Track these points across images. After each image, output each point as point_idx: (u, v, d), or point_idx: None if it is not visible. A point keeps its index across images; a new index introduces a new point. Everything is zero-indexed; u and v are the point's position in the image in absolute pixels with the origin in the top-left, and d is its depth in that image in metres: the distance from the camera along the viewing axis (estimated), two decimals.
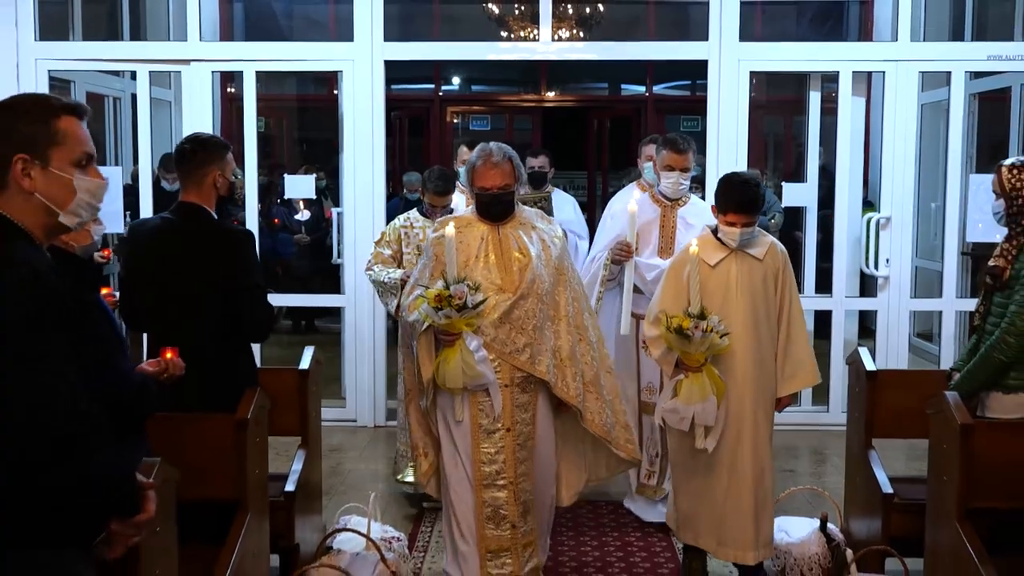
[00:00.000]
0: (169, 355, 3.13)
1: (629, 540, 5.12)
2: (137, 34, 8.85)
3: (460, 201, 5.65)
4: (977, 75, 7.58)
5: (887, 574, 4.14)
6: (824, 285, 7.05)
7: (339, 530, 4.39)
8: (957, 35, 8.41)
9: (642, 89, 11.94)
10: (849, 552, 4.09)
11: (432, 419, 4.26)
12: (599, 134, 12.38)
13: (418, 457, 4.39)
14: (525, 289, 4.20)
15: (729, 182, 4.34)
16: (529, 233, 4.33)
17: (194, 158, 3.79)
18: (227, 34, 9.31)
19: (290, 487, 4.15)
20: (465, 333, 4.06)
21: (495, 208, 4.26)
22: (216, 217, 3.85)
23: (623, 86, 12.93)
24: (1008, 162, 3.76)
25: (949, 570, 3.52)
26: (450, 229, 4.13)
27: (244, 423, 3.48)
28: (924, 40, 7.46)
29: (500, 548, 4.30)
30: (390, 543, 4.45)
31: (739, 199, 4.25)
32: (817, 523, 4.44)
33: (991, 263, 3.73)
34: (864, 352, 4.60)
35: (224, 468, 3.45)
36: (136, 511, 2.26)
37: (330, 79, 10.77)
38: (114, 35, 8.51)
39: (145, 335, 3.95)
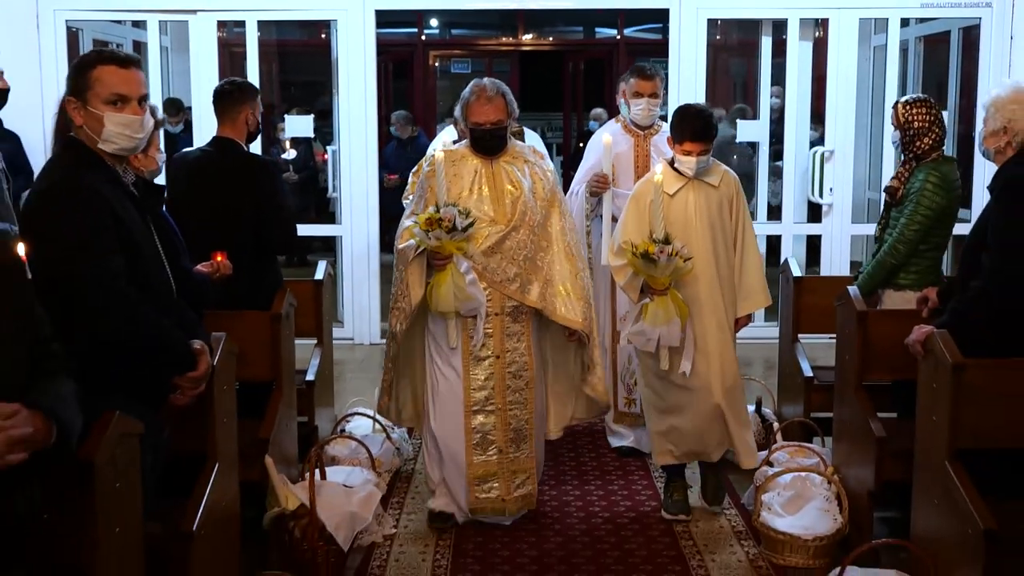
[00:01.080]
0: (220, 258, 3.91)
1: (609, 477, 5.19)
2: None
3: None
4: (921, 20, 8.37)
5: (813, 442, 5.02)
6: (775, 213, 7.90)
7: (350, 415, 5.24)
8: None
9: (614, 32, 12.67)
10: (775, 424, 4.97)
11: (397, 342, 4.43)
12: (574, 76, 13.13)
13: (387, 385, 4.60)
14: (517, 221, 4.36)
15: (683, 113, 4.52)
16: (521, 167, 4.48)
17: (230, 97, 4.56)
18: None
19: (310, 377, 5.00)
20: (456, 256, 4.24)
21: (489, 142, 4.41)
22: (247, 149, 4.64)
23: (597, 29, 13.63)
24: (903, 99, 4.58)
25: (851, 433, 4.40)
26: (439, 154, 4.37)
27: (278, 317, 4.29)
28: None
29: (487, 473, 4.47)
30: (392, 428, 5.28)
31: (693, 127, 4.43)
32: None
33: (888, 183, 4.58)
34: (792, 261, 5.46)
35: (262, 355, 4.26)
36: (192, 368, 3.05)
37: (316, 26, 11.43)
38: None
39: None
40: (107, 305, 2.79)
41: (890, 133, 4.66)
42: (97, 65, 2.95)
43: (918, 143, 4.45)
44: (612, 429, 5.53)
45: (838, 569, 3.53)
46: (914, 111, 4.49)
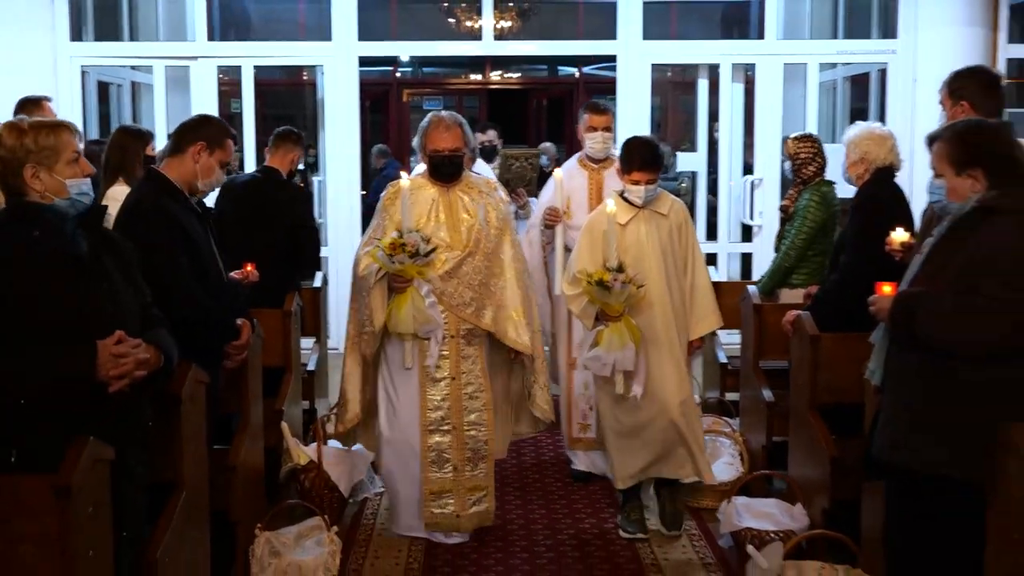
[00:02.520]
0: (250, 267, 4.96)
1: (575, 498, 5.42)
2: (133, 34, 10.49)
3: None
4: (847, 64, 9.59)
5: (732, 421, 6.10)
6: (712, 234, 9.06)
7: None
8: (846, 33, 10.36)
9: (574, 71, 13.88)
10: (699, 409, 6.07)
11: (375, 367, 4.73)
12: (538, 112, 14.32)
13: (344, 405, 4.83)
14: (472, 247, 4.62)
15: (631, 144, 4.82)
16: (476, 196, 4.75)
17: (291, 140, 5.94)
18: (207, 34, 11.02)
19: (311, 368, 6.07)
20: (416, 280, 4.46)
21: (446, 169, 4.69)
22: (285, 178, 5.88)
23: (559, 68, 14.85)
24: (792, 135, 5.75)
25: (750, 403, 5.53)
26: (404, 180, 4.58)
27: (289, 314, 5.37)
28: (786, 39, 9.40)
29: (442, 489, 4.69)
30: None
31: (641, 157, 4.72)
32: None
33: (781, 203, 5.73)
34: (711, 268, 6.58)
35: (275, 344, 5.31)
36: (236, 338, 4.10)
37: (298, 68, 12.57)
38: (115, 35, 10.16)
39: None
40: (175, 288, 3.82)
41: (785, 163, 5.81)
42: (229, 137, 4.17)
43: (804, 170, 5.61)
44: (571, 451, 5.74)
45: (727, 500, 4.63)
46: (800, 144, 5.66)
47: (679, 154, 9.35)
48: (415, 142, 4.85)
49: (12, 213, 3.09)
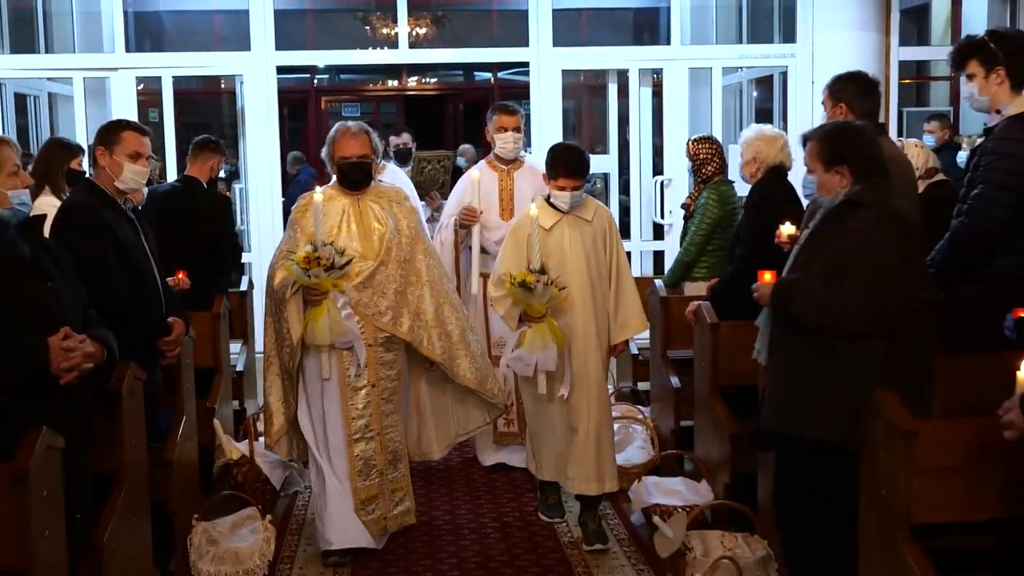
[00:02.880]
0: (181, 275, 5.15)
1: (499, 496, 5.55)
2: (48, 46, 10.53)
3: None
4: (751, 67, 10.06)
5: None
6: (625, 232, 9.45)
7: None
8: (750, 37, 10.84)
9: (490, 76, 14.21)
10: (613, 398, 6.43)
11: (295, 380, 4.65)
12: (454, 117, 14.63)
13: (269, 418, 4.77)
14: (384, 256, 4.62)
15: (556, 150, 4.89)
16: (386, 205, 4.76)
17: (208, 149, 6.12)
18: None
19: (240, 368, 6.29)
20: (331, 292, 4.46)
21: (355, 175, 4.70)
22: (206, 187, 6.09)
23: (475, 74, 15.17)
24: (692, 137, 6.14)
25: (659, 391, 5.90)
26: (318, 195, 4.51)
27: (218, 316, 5.59)
28: (693, 43, 9.86)
29: (370, 497, 4.71)
30: None
31: (567, 164, 4.79)
32: None
33: (683, 202, 6.12)
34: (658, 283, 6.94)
35: (206, 346, 5.52)
36: (167, 334, 4.28)
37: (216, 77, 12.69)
38: (31, 47, 10.20)
39: None
40: (103, 287, 4.02)
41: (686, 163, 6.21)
42: (126, 129, 4.29)
43: (703, 170, 6.00)
44: (484, 453, 5.89)
45: (638, 480, 4.98)
46: (700, 146, 6.04)
47: (591, 156, 9.70)
48: (323, 152, 4.84)
49: None
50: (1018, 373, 2.69)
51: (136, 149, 4.29)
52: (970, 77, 4.29)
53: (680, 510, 4.62)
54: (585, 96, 13.49)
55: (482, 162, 6.04)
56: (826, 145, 3.62)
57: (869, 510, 3.32)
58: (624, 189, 9.75)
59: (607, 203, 9.47)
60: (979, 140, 4.62)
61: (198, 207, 5.94)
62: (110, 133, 4.31)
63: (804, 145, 3.74)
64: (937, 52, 10.87)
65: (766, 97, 10.75)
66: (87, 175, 5.05)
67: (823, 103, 4.61)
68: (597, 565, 4.66)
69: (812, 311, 3.44)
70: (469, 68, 15.16)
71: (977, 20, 11.27)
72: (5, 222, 3.30)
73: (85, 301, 3.54)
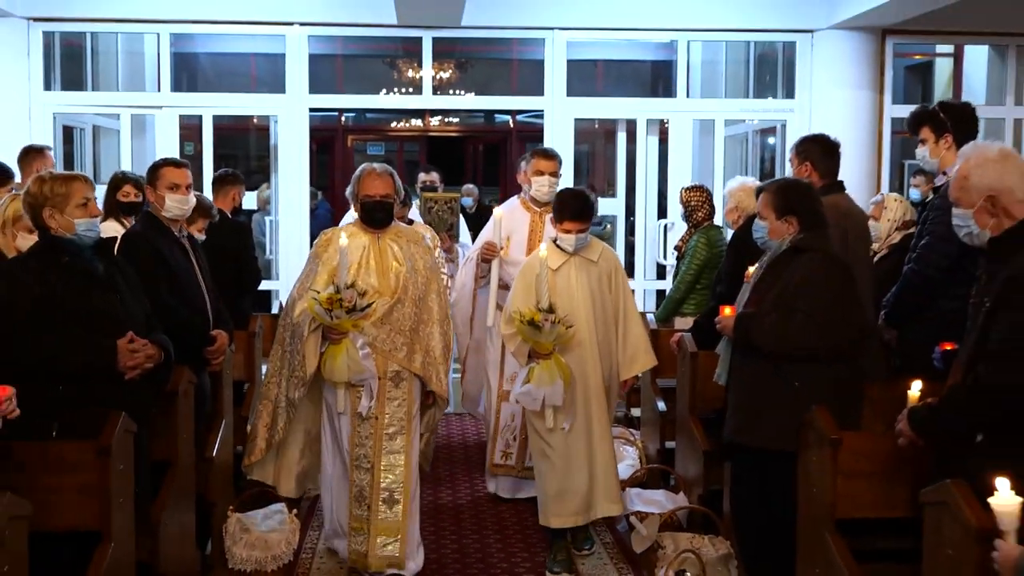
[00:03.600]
0: None
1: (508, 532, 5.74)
2: (95, 83, 11.29)
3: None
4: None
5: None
6: (630, 272, 10.11)
7: None
8: (756, 91, 11.51)
9: (508, 119, 14.97)
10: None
11: (294, 408, 4.92)
12: (474, 157, 15.38)
13: (252, 440, 5.09)
14: (401, 294, 4.85)
15: (563, 196, 5.25)
16: (404, 245, 4.99)
17: (228, 181, 6.80)
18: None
19: None
20: (351, 332, 4.70)
21: (378, 214, 4.93)
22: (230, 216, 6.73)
23: (496, 116, 15.94)
24: (685, 186, 6.82)
25: (648, 414, 6.52)
26: (344, 240, 4.74)
27: (254, 334, 6.27)
28: (704, 96, 10.56)
29: (358, 527, 4.89)
30: None
31: (572, 208, 5.10)
32: None
33: (676, 244, 6.78)
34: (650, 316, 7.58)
35: (240, 360, 6.19)
36: (212, 344, 4.94)
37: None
38: (79, 84, 10.94)
39: None
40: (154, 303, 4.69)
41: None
42: (164, 166, 4.98)
43: (694, 216, 6.67)
44: (491, 476, 6.18)
45: (623, 490, 5.60)
46: (691, 194, 6.72)
47: (600, 199, 10.41)
48: (348, 191, 5.07)
49: (45, 243, 3.99)
50: (908, 392, 3.33)
51: (173, 181, 4.97)
52: (922, 141, 4.96)
53: (656, 514, 5.24)
54: (600, 141, 14.23)
55: (514, 201, 6.32)
56: (779, 197, 4.27)
57: (804, 507, 3.94)
58: (631, 231, 10.42)
59: (614, 243, 10.20)
60: (930, 197, 5.27)
61: (224, 237, 6.53)
62: (152, 171, 5.05)
63: (758, 196, 4.39)
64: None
65: (771, 146, 11.42)
66: (143, 204, 5.76)
67: (791, 160, 5.26)
68: (583, 564, 5.27)
69: (769, 340, 4.08)
70: (489, 111, 15.93)
71: (977, 77, 11.96)
72: (81, 244, 3.99)
73: (148, 311, 4.23)
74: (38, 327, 3.77)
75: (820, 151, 5.13)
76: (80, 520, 3.50)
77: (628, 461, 6.31)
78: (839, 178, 5.22)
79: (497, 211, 6.04)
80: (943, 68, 14.44)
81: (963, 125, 4.91)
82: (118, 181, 6.22)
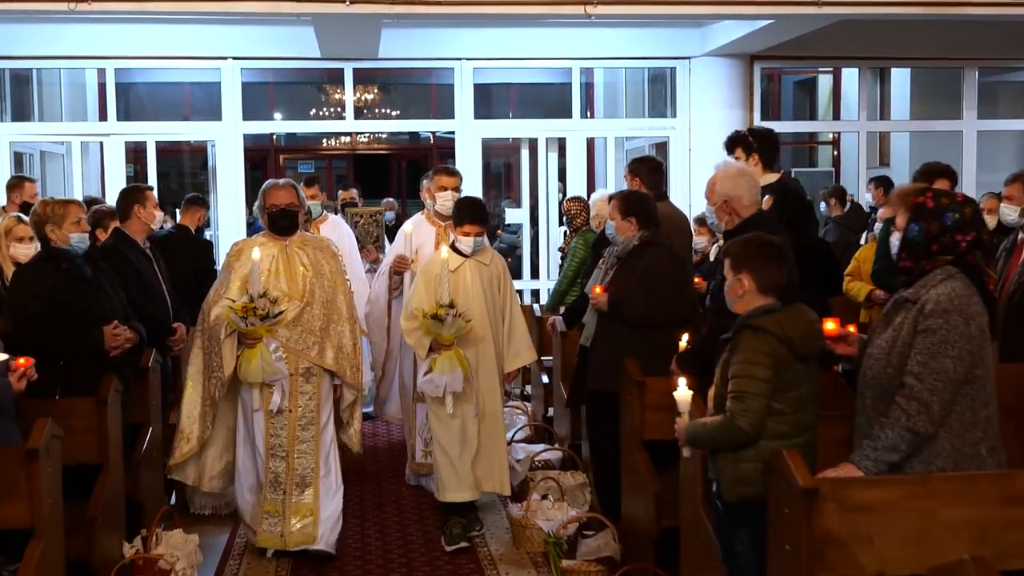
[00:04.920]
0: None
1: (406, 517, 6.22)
2: (41, 113, 12.39)
3: (342, 229, 7.69)
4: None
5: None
6: (535, 272, 11.56)
7: None
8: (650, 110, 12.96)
9: (430, 136, 16.37)
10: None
11: (216, 406, 5.42)
12: (398, 172, 16.72)
13: (180, 441, 5.53)
14: (309, 297, 5.36)
15: (461, 202, 5.92)
16: (311, 252, 5.52)
17: (196, 204, 8.03)
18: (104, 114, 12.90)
19: None
20: (265, 337, 5.21)
21: (282, 221, 5.45)
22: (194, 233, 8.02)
23: (419, 134, 17.30)
24: (568, 197, 8.25)
25: (537, 394, 7.91)
26: (256, 253, 5.26)
27: None
28: (591, 117, 12.04)
29: (273, 510, 5.36)
30: None
31: (471, 213, 5.76)
32: None
33: (559, 247, 8.21)
34: (535, 307, 8.97)
35: None
36: (174, 334, 6.20)
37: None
38: (24, 110, 12.05)
39: None
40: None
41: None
42: (145, 191, 6.28)
43: (574, 221, 8.10)
44: (412, 475, 6.69)
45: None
46: (571, 203, 8.15)
47: (508, 209, 11.85)
48: (255, 205, 5.62)
49: (47, 253, 5.26)
50: (680, 342, 4.71)
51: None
52: (736, 159, 6.37)
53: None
54: (512, 155, 15.66)
55: (418, 216, 6.80)
56: (623, 203, 5.59)
57: (624, 433, 5.28)
58: (535, 236, 11.86)
59: (521, 247, 11.61)
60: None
61: (188, 250, 7.77)
62: (130, 196, 6.30)
63: (609, 201, 5.73)
64: (793, 126, 13.25)
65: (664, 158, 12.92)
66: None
67: (625, 176, 6.62)
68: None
69: (632, 312, 5.26)
70: (412, 129, 17.29)
71: (852, 92, 13.56)
72: (75, 254, 5.27)
73: (125, 305, 5.52)
74: (44, 318, 5.02)
75: (646, 169, 6.47)
76: (86, 456, 4.77)
77: (519, 425, 7.67)
78: (663, 189, 6.60)
79: (406, 226, 6.55)
80: (825, 84, 16.15)
81: (767, 145, 6.32)
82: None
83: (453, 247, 5.83)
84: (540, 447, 6.99)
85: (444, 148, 16.04)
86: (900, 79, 14.10)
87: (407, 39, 10.66)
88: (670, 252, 5.48)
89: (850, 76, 13.64)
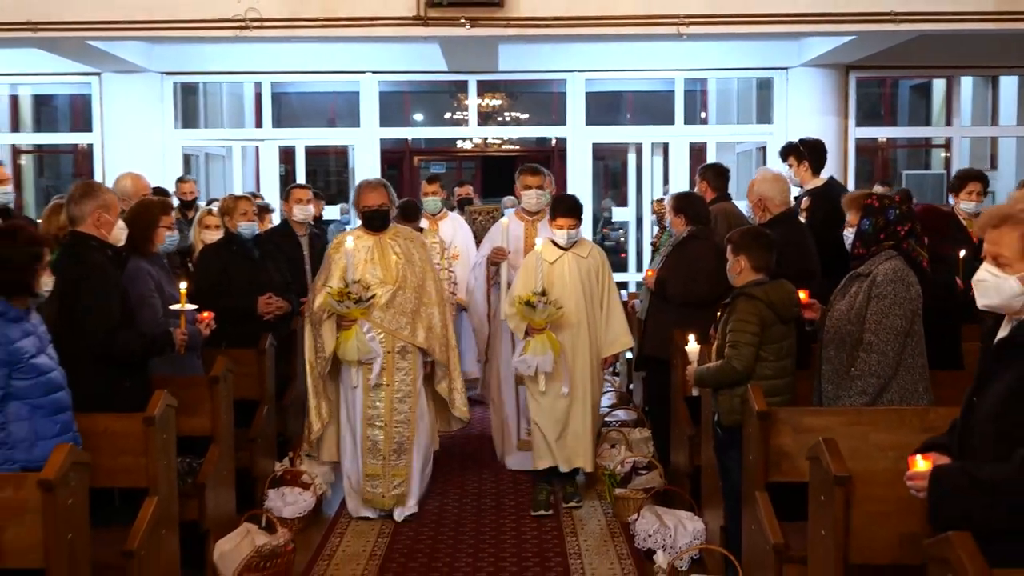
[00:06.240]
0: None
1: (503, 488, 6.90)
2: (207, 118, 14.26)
3: (460, 224, 8.68)
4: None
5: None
6: (640, 267, 12.81)
7: None
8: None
9: (552, 140, 17.70)
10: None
11: (326, 382, 6.04)
12: None
13: (310, 423, 6.18)
14: (401, 282, 5.92)
15: (556, 198, 6.56)
16: (402, 243, 6.09)
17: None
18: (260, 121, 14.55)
19: None
20: (359, 319, 5.75)
21: (375, 221, 6.05)
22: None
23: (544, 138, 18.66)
24: (656, 198, 9.51)
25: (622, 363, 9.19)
26: (349, 243, 5.84)
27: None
28: (704, 122, 13.21)
29: (374, 474, 5.98)
30: None
31: (565, 207, 6.35)
32: None
33: (652, 241, 9.48)
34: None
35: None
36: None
37: None
38: (192, 123, 13.86)
39: None
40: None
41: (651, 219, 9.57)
42: (296, 189, 7.84)
43: (662, 220, 9.34)
44: (512, 457, 7.12)
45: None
46: (660, 204, 9.39)
47: (614, 208, 13.16)
48: (351, 202, 6.34)
49: (226, 237, 6.80)
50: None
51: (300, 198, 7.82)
52: (790, 165, 7.53)
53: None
54: (623, 158, 16.92)
55: (512, 212, 7.64)
56: (675, 203, 6.88)
57: (674, 386, 6.54)
58: (639, 234, 13.13)
59: (626, 245, 12.88)
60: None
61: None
62: (287, 192, 7.86)
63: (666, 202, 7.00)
64: (894, 132, 14.12)
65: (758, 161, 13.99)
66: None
67: (695, 180, 7.87)
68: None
69: (677, 292, 6.45)
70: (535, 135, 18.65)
71: (967, 95, 14.33)
72: (244, 238, 6.79)
73: (285, 280, 7.04)
74: (216, 287, 6.57)
75: (713, 173, 7.72)
76: (248, 392, 6.28)
77: (609, 397, 8.97)
78: (727, 191, 7.79)
79: (503, 220, 7.24)
80: (939, 88, 16.83)
81: (815, 154, 7.47)
82: None
83: (552, 241, 6.46)
84: (621, 412, 8.28)
85: (565, 151, 17.39)
86: (1008, 85, 14.72)
87: (524, 53, 12.02)
88: (712, 244, 6.70)
89: (964, 82, 14.31)
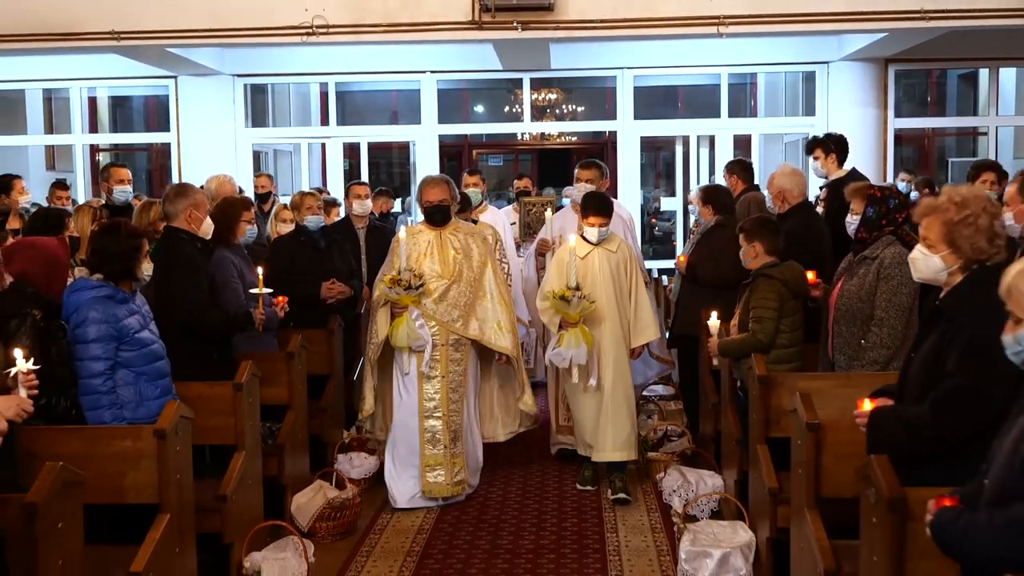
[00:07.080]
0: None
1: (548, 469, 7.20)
2: (274, 116, 15.13)
3: (498, 216, 8.83)
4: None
5: None
6: None
7: None
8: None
9: (606, 133, 18.39)
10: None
11: (374, 368, 6.22)
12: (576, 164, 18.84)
13: (363, 399, 6.38)
14: (457, 276, 6.02)
15: (587, 197, 6.68)
16: (462, 238, 6.19)
17: (381, 194, 10.35)
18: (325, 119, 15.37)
19: None
20: (410, 307, 5.90)
21: (436, 216, 6.19)
22: (379, 219, 10.41)
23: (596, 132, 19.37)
24: (693, 190, 10.18)
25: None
26: (401, 233, 6.02)
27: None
28: (754, 115, 13.82)
29: (435, 463, 6.11)
30: None
31: (596, 206, 6.50)
32: None
33: (691, 228, 10.17)
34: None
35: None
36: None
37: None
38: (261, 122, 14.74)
39: None
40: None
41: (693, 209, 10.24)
42: (354, 186, 8.69)
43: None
44: (554, 440, 7.30)
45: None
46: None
47: (663, 198, 13.84)
48: (414, 197, 7.00)
49: (296, 229, 7.64)
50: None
51: (359, 193, 8.67)
52: (816, 158, 8.18)
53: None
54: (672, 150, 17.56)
55: (567, 203, 8.48)
56: (703, 194, 7.61)
57: (703, 352, 7.27)
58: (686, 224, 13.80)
59: (673, 234, 13.56)
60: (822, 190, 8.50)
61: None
62: (346, 191, 8.68)
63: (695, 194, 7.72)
64: (932, 122, 14.60)
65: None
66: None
67: (724, 175, 8.56)
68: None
69: (706, 274, 7.19)
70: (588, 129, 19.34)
71: (1010, 85, 14.74)
72: (311, 231, 7.65)
73: (349, 269, 7.88)
74: (284, 274, 7.37)
75: (740, 168, 8.42)
76: (319, 368, 7.11)
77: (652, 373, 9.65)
78: (755, 182, 8.45)
79: (548, 213, 7.89)
80: (984, 78, 17.21)
81: (840, 148, 8.11)
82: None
83: (583, 236, 6.63)
84: (660, 387, 9.00)
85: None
86: None
87: (576, 51, 12.69)
88: (733, 235, 7.39)
89: (1007, 73, 14.75)
